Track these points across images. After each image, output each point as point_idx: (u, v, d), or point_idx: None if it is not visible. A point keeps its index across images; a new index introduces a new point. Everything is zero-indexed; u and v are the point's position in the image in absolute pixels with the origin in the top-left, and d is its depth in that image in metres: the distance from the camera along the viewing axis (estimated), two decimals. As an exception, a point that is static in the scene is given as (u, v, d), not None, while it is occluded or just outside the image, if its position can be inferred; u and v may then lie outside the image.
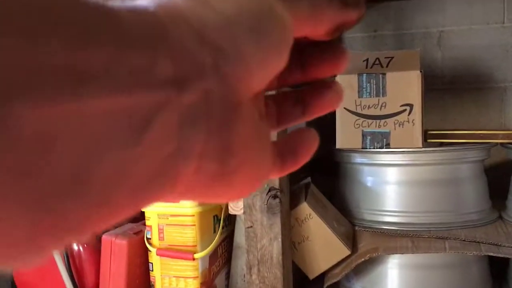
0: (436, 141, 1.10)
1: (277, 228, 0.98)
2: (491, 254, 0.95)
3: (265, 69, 0.18)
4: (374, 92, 1.05)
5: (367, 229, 1.08)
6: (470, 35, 1.33)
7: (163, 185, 0.16)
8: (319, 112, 0.26)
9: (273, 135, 0.24)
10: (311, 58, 0.25)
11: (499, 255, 0.94)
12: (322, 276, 1.05)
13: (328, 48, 0.25)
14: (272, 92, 0.26)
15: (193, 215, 1.00)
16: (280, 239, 0.98)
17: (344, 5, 0.22)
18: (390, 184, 1.09)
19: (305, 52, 0.25)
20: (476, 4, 1.32)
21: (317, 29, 0.22)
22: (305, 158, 0.25)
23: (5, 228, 0.12)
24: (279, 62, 0.19)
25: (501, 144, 1.10)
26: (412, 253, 0.98)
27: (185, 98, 0.15)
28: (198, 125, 0.16)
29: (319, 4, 0.21)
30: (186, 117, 0.16)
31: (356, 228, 1.10)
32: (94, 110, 0.13)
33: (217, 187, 0.19)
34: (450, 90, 1.35)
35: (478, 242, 0.97)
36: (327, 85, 0.25)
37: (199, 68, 0.16)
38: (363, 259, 0.99)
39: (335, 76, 0.27)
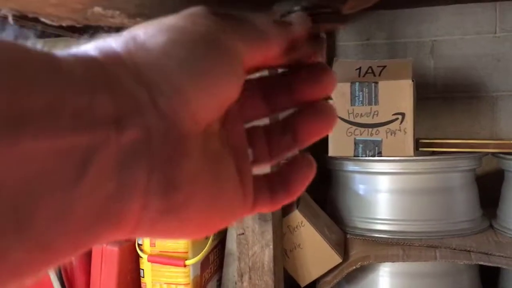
0: (427, 149, 1.11)
1: (269, 235, 0.98)
2: (482, 263, 0.95)
3: (210, 98, 0.18)
4: (367, 101, 1.06)
5: (358, 237, 1.08)
6: (462, 45, 1.34)
7: (107, 225, 0.16)
8: (311, 137, 0.25)
9: (266, 168, 0.24)
10: (297, 81, 0.24)
11: (490, 264, 0.95)
12: (314, 283, 1.05)
13: (312, 70, 0.24)
14: (259, 123, 0.25)
15: (185, 222, 0.99)
16: (271, 247, 0.98)
17: (288, 24, 0.23)
18: (382, 192, 1.09)
19: (291, 77, 0.24)
20: (468, 14, 1.34)
21: (270, 50, 0.22)
22: (299, 189, 0.24)
23: None
24: (225, 88, 0.19)
25: (492, 153, 1.11)
26: (403, 261, 0.98)
27: (125, 136, 0.15)
28: (138, 162, 0.16)
29: (263, 25, 0.21)
30: (126, 156, 0.15)
31: (348, 236, 1.10)
32: (33, 151, 0.13)
33: (169, 223, 0.18)
34: (442, 99, 1.36)
35: (469, 251, 0.97)
36: (317, 109, 0.24)
37: (137, 105, 0.16)
38: (354, 267, 0.99)
39: (328, 98, 0.26)
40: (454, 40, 1.35)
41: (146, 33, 0.18)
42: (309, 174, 0.24)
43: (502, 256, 0.95)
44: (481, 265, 1.04)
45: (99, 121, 0.15)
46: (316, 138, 0.25)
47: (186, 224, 0.19)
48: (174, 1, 0.24)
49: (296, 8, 0.25)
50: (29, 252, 0.14)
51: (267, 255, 0.98)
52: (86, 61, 0.15)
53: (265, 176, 0.23)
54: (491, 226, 1.12)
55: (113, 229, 0.16)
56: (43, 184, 0.14)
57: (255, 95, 0.25)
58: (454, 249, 0.98)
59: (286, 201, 0.24)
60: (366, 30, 1.40)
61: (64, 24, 0.29)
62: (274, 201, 0.23)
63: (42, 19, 0.27)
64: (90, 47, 0.16)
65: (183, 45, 0.18)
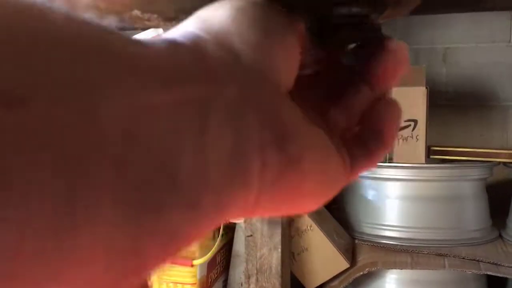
0: (439, 157, 1.11)
1: (277, 238, 0.98)
2: (490, 273, 0.95)
3: (284, 53, 0.20)
4: (379, 106, 1.06)
5: (366, 243, 1.08)
6: (476, 53, 1.34)
7: (236, 187, 0.16)
8: (387, 79, 0.24)
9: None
10: (370, 69, 0.24)
11: (498, 274, 0.94)
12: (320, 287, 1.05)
13: (377, 48, 0.24)
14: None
15: (194, 222, 1.00)
16: (279, 249, 0.98)
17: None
18: (392, 198, 1.09)
19: (364, 68, 0.25)
20: (482, 23, 1.33)
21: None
22: (391, 134, 0.24)
23: (112, 234, 0.13)
24: (293, 47, 0.20)
25: (504, 163, 1.11)
26: (411, 269, 0.98)
27: (226, 91, 0.17)
28: (246, 114, 0.17)
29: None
30: (233, 108, 0.16)
31: (356, 241, 1.10)
32: (160, 104, 0.14)
33: (289, 181, 0.19)
34: (454, 106, 1.36)
35: (478, 261, 0.97)
36: (384, 49, 0.24)
37: (228, 66, 0.17)
38: (361, 273, 0.99)
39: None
40: (467, 48, 1.35)
41: (210, 10, 0.19)
42: (396, 114, 0.24)
43: (510, 267, 0.95)
44: (489, 275, 1.04)
45: (204, 78, 0.16)
46: (394, 76, 0.25)
47: (304, 184, 0.19)
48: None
49: (334, 13, 0.24)
50: (182, 212, 0.14)
51: (275, 257, 0.98)
52: (179, 45, 0.17)
53: (353, 135, 0.23)
54: (500, 236, 1.11)
55: (241, 192, 0.17)
56: (178, 138, 0.14)
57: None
58: (463, 258, 0.98)
59: (383, 151, 0.24)
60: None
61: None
62: (370, 156, 0.23)
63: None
64: (171, 36, 0.17)
65: (247, 11, 0.19)
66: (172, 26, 0.29)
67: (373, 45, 0.24)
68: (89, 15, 0.14)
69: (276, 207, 0.20)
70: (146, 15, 0.26)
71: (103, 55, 0.13)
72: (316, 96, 0.25)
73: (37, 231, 0.11)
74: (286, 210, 0.20)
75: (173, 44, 0.16)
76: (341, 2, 0.24)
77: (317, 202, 0.21)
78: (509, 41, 1.32)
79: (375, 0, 0.23)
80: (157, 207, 0.14)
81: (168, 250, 0.14)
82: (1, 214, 0.11)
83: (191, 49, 0.17)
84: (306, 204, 0.21)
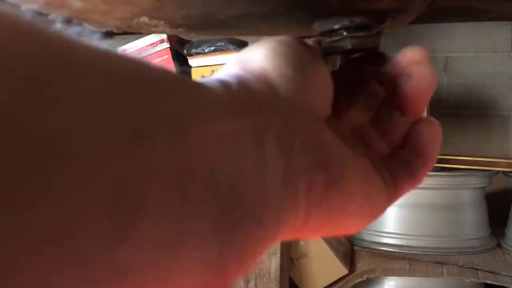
0: (438, 165, 1.11)
1: (276, 243, 0.98)
2: (489, 281, 0.95)
3: (317, 87, 0.22)
4: (380, 114, 1.06)
5: (365, 250, 1.08)
6: (477, 63, 1.35)
7: (288, 209, 0.18)
8: (417, 102, 0.25)
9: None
10: (396, 96, 0.25)
11: (496, 283, 0.95)
12: (319, 294, 1.05)
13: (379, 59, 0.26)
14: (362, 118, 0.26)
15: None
16: (278, 255, 0.98)
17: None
18: (391, 206, 1.09)
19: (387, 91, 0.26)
20: (483, 33, 1.34)
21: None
22: (433, 150, 0.25)
23: (203, 248, 0.14)
24: (326, 80, 0.22)
25: (503, 172, 1.11)
26: (409, 276, 0.98)
27: (272, 121, 0.18)
28: (291, 142, 0.19)
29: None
30: (280, 137, 0.18)
31: (355, 247, 1.11)
32: (230, 132, 0.16)
33: (333, 201, 0.20)
34: (454, 115, 1.36)
35: (476, 269, 0.97)
36: (411, 74, 0.25)
37: (268, 99, 0.19)
38: (360, 279, 0.99)
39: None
40: (468, 57, 1.35)
41: (248, 52, 0.22)
42: (436, 132, 0.25)
43: (509, 276, 0.95)
44: (487, 284, 1.04)
45: (257, 110, 0.18)
46: (422, 101, 0.25)
47: (348, 205, 0.21)
48: (218, 13, 0.25)
49: (336, 26, 0.25)
50: (251, 228, 0.16)
51: (274, 263, 0.98)
52: (230, 84, 0.19)
53: (397, 157, 0.24)
54: (499, 245, 1.11)
55: (292, 211, 0.18)
56: (243, 163, 0.16)
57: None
58: (462, 266, 0.98)
59: (426, 170, 0.25)
60: (382, 44, 1.40)
61: (104, 30, 0.29)
62: (414, 176, 0.24)
63: (86, 25, 0.28)
64: (219, 77, 0.19)
65: (280, 50, 0.21)
66: (178, 32, 0.30)
67: (373, 56, 0.25)
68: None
69: (322, 228, 0.21)
70: (154, 22, 0.26)
71: (186, 95, 0.15)
72: (354, 121, 0.26)
73: (155, 246, 0.13)
74: (332, 231, 0.22)
75: (224, 83, 0.18)
76: (343, 13, 0.24)
77: (361, 223, 0.23)
78: (510, 51, 1.33)
79: (376, 11, 0.24)
80: (233, 224, 0.15)
81: (243, 263, 0.16)
82: (140, 233, 0.12)
83: (239, 86, 0.19)
84: (351, 224, 0.22)
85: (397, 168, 0.24)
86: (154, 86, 0.14)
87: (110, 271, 0.12)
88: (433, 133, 0.25)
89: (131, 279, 0.12)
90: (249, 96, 0.18)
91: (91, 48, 0.13)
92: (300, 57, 0.22)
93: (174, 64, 1.11)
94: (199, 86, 0.17)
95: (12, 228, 0.10)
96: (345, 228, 0.22)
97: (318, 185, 0.19)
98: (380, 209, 0.23)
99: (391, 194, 0.23)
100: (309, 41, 0.25)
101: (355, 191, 0.21)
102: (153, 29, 0.28)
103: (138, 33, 0.31)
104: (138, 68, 0.14)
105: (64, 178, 0.11)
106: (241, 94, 0.18)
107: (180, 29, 0.27)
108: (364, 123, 0.26)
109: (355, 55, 0.26)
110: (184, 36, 1.19)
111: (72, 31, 0.14)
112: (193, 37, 1.15)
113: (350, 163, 0.21)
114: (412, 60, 0.25)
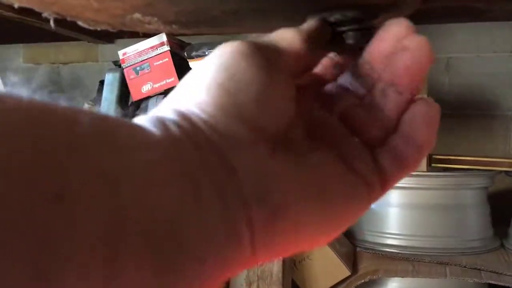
0: (440, 166, 1.11)
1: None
2: (492, 282, 0.95)
3: (263, 110, 0.21)
4: (381, 115, 1.06)
5: (368, 251, 1.08)
6: (478, 63, 1.34)
7: (232, 244, 0.18)
8: (412, 80, 0.23)
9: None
10: (392, 69, 0.24)
11: (500, 283, 0.94)
12: (321, 295, 1.04)
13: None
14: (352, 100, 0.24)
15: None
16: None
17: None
18: (393, 206, 1.09)
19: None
20: (484, 33, 1.34)
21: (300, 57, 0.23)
22: (428, 137, 0.23)
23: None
24: (261, 97, 0.21)
25: (506, 172, 1.11)
26: (412, 277, 0.98)
27: (210, 160, 0.18)
28: (227, 179, 0.19)
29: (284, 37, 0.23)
30: (216, 177, 0.18)
31: (357, 249, 1.10)
32: (166, 177, 0.17)
33: (282, 227, 0.20)
34: (456, 115, 1.36)
35: (479, 269, 0.97)
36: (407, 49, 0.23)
37: (208, 137, 0.19)
38: (363, 281, 0.99)
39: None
40: (469, 57, 1.35)
41: (189, 83, 0.21)
42: (432, 112, 0.23)
43: (512, 276, 0.94)
44: (490, 284, 1.04)
45: (192, 151, 0.18)
46: (420, 76, 0.23)
47: (300, 227, 0.20)
48: (211, 9, 0.25)
49: (329, 20, 0.25)
50: (193, 268, 0.16)
51: (276, 265, 0.98)
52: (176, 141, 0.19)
53: (387, 141, 0.22)
54: (502, 245, 1.11)
55: (236, 246, 0.18)
56: (180, 207, 0.16)
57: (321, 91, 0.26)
58: (465, 267, 0.98)
59: (419, 157, 0.23)
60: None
61: (99, 28, 0.30)
62: (405, 164, 0.22)
63: (80, 23, 0.28)
64: (161, 115, 0.19)
65: (222, 77, 0.20)
66: (172, 29, 0.30)
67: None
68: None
69: (277, 253, 0.20)
70: (147, 18, 0.26)
71: (117, 147, 0.15)
72: (344, 107, 0.24)
73: (95, 279, 0.13)
74: (290, 252, 0.21)
75: (162, 123, 0.18)
76: (336, 7, 0.24)
77: (329, 235, 0.22)
78: (511, 51, 1.33)
79: (368, 5, 0.24)
80: (174, 267, 0.16)
81: None
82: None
83: (178, 125, 0.18)
84: (314, 241, 0.22)
85: (387, 158, 0.23)
86: (83, 142, 0.14)
87: None
88: (429, 115, 0.23)
89: None
90: (186, 137, 0.18)
91: (19, 107, 0.13)
92: (246, 78, 0.20)
93: (175, 66, 1.11)
94: (137, 130, 0.17)
95: None
96: (307, 246, 0.21)
97: (259, 219, 0.19)
98: (354, 214, 0.22)
99: (375, 190, 0.22)
100: (306, 25, 0.23)
101: (307, 217, 0.20)
102: (147, 26, 0.28)
103: (133, 31, 0.31)
104: (68, 123, 0.14)
105: None
106: (179, 134, 0.18)
107: (174, 26, 0.27)
108: (357, 104, 0.24)
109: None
110: (184, 39, 1.19)
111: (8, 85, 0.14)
112: (193, 39, 1.15)
113: (298, 190, 0.20)
114: (401, 33, 0.23)
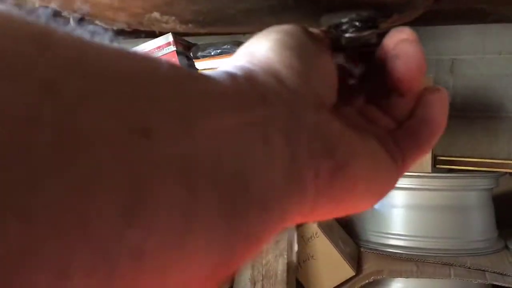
0: (445, 167, 1.11)
1: (283, 244, 0.98)
2: (496, 283, 0.95)
3: (321, 76, 0.22)
4: (386, 115, 1.06)
5: (372, 251, 1.08)
6: (483, 64, 1.35)
7: (295, 192, 0.19)
8: (412, 78, 0.25)
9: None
10: (388, 79, 0.26)
11: (504, 284, 0.94)
12: (326, 295, 1.05)
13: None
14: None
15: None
16: (285, 256, 0.98)
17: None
18: (397, 207, 1.09)
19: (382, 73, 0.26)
20: (489, 34, 1.34)
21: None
22: (440, 118, 0.25)
23: (211, 233, 0.15)
24: (330, 67, 0.23)
25: (510, 174, 1.11)
26: (416, 278, 0.98)
27: (278, 112, 0.19)
28: (297, 132, 0.19)
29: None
30: (286, 127, 0.19)
31: (362, 249, 1.11)
32: (227, 127, 0.17)
33: (342, 183, 0.21)
34: (461, 117, 1.36)
35: (483, 271, 0.97)
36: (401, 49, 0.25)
37: (274, 89, 0.20)
38: (367, 281, 0.99)
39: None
40: (474, 59, 1.36)
41: (254, 44, 0.22)
42: (443, 97, 0.25)
43: (517, 277, 0.95)
44: (494, 285, 1.04)
45: (262, 102, 0.19)
46: (414, 81, 0.25)
47: (356, 186, 0.22)
48: (227, 8, 0.25)
49: (344, 20, 0.26)
50: (256, 214, 0.17)
51: (281, 264, 0.98)
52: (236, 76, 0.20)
53: (403, 126, 0.25)
54: (506, 246, 1.11)
55: (299, 198, 0.19)
56: (248, 153, 0.17)
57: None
58: (469, 268, 0.98)
59: (434, 138, 0.25)
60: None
61: (115, 27, 0.30)
62: (421, 145, 0.25)
63: (97, 22, 0.28)
64: (227, 69, 0.20)
65: (285, 42, 0.22)
66: (188, 28, 0.30)
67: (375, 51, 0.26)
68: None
69: (333, 210, 0.22)
70: (165, 17, 0.27)
71: (193, 90, 0.16)
72: (362, 102, 0.27)
73: (164, 233, 0.14)
74: (342, 211, 0.23)
75: (231, 76, 0.19)
76: (351, 6, 0.25)
77: (371, 201, 0.23)
78: (516, 53, 1.33)
79: (382, 5, 0.25)
80: (239, 211, 0.16)
81: (250, 248, 0.17)
82: (150, 219, 0.13)
83: (245, 79, 0.19)
84: (360, 204, 0.23)
85: (404, 139, 0.25)
86: (162, 83, 0.15)
87: (124, 252, 0.12)
88: (440, 100, 0.25)
89: (143, 261, 0.13)
90: (255, 89, 0.19)
91: (102, 48, 0.14)
92: (305, 47, 0.22)
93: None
94: (207, 80, 0.17)
95: (38, 214, 0.11)
96: (355, 208, 0.23)
97: (325, 172, 0.20)
98: (389, 185, 0.24)
99: (399, 167, 0.24)
100: (315, 30, 0.25)
101: (362, 174, 0.22)
102: (164, 25, 0.28)
103: (148, 31, 0.31)
104: (147, 66, 0.15)
105: (81, 172, 0.12)
106: (248, 87, 0.19)
107: (190, 25, 0.28)
108: (368, 103, 0.26)
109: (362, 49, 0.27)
110: (190, 39, 1.20)
111: (85, 30, 0.15)
112: (199, 40, 1.16)
113: (356, 148, 0.22)
114: (398, 40, 0.25)
